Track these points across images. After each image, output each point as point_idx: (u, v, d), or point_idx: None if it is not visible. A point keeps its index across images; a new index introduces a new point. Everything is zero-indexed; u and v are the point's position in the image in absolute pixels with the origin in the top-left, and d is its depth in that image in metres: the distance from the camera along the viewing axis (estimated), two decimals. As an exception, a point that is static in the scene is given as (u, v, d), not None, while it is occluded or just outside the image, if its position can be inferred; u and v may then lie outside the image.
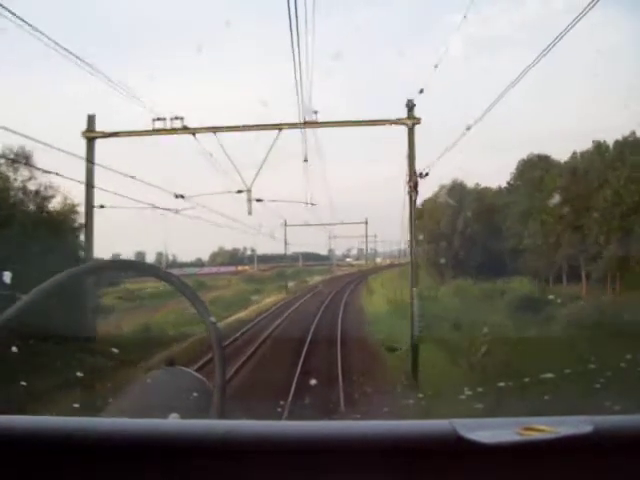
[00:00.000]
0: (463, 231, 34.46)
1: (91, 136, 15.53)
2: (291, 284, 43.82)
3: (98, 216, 15.63)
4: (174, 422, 1.12)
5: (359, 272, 56.89)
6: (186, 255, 51.29)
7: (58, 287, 1.27)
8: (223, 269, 51.39)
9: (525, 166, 33.73)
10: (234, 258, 53.87)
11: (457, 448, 0.81)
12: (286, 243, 41.20)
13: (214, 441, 0.85)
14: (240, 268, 52.52)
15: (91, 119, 15.56)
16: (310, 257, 66.49)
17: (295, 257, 59.03)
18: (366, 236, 48.04)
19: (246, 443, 0.85)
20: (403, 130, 15.03)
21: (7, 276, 1.74)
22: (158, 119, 14.95)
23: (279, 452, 0.84)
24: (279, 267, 50.17)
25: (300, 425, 0.90)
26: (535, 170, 32.09)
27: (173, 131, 15.50)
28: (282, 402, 8.79)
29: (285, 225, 38.99)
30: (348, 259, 74.56)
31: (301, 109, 14.60)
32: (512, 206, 32.22)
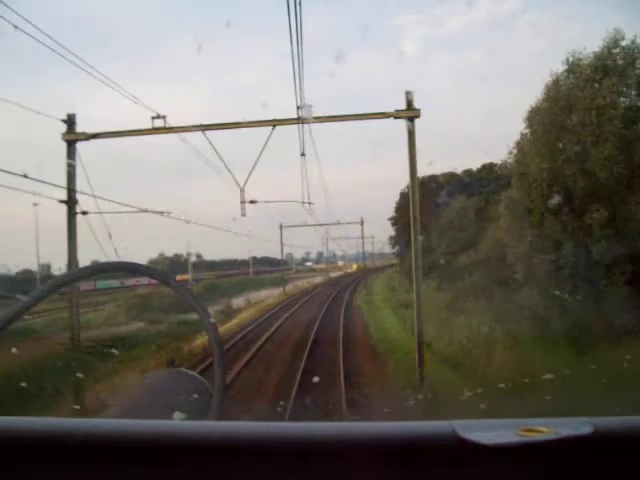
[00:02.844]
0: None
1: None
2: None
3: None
4: (173, 423, 1.14)
5: (330, 281, 47.35)
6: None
7: (57, 289, 1.23)
8: (160, 280, 45.42)
9: None
10: (175, 265, 47.07)
11: (457, 449, 0.81)
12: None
13: (214, 442, 0.86)
14: (179, 278, 46.39)
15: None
16: (263, 262, 60.20)
17: (247, 262, 54.92)
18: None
19: (246, 444, 0.85)
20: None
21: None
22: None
23: (279, 453, 0.84)
24: (221, 276, 44.48)
25: (299, 426, 0.90)
26: None
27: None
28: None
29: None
30: (308, 263, 71.73)
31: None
32: None
